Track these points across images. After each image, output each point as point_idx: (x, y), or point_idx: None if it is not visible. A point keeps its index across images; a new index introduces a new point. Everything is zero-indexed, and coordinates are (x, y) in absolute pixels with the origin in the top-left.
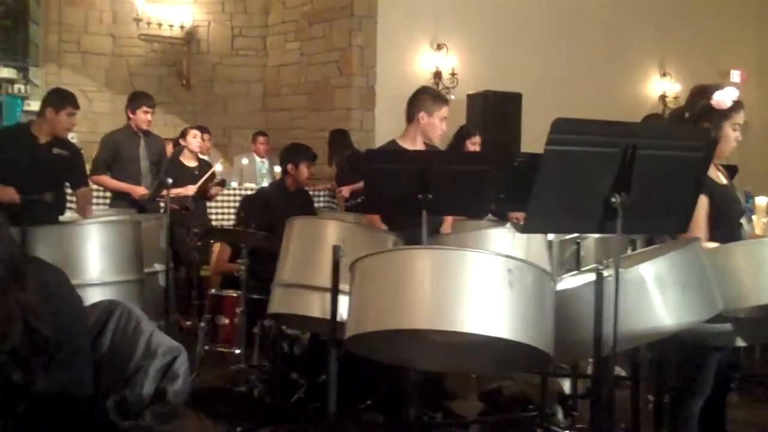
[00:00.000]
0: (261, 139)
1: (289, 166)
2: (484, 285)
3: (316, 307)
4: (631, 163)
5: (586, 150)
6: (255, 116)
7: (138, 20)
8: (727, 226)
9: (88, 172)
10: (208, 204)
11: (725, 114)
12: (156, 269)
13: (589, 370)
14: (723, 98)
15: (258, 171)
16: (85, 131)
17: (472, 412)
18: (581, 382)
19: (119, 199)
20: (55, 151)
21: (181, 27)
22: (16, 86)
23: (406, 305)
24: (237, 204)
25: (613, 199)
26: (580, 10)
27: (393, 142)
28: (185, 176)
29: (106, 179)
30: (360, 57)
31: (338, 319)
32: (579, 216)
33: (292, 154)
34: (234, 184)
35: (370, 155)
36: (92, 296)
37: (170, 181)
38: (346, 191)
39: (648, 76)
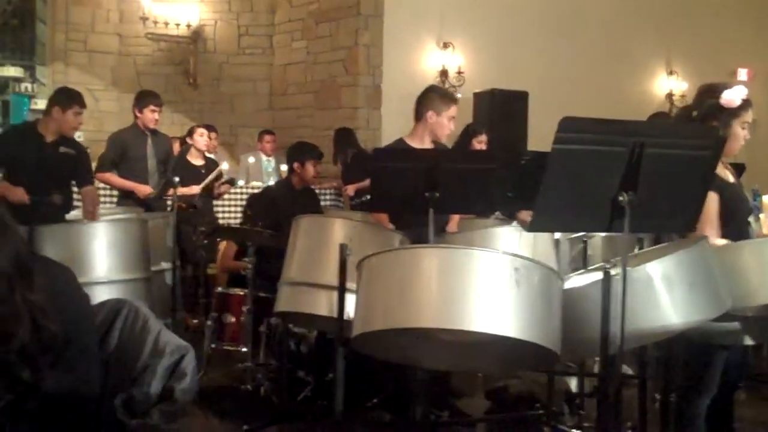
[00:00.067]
0: (267, 137)
1: (296, 165)
2: (491, 284)
3: (322, 305)
4: (639, 162)
5: (594, 149)
6: (261, 115)
7: (144, 19)
8: (735, 224)
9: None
10: (215, 202)
11: (734, 112)
12: (163, 267)
13: (596, 369)
14: (732, 97)
15: (264, 169)
16: (92, 130)
17: (478, 410)
18: (588, 381)
19: (126, 198)
20: (62, 149)
21: (188, 26)
22: (23, 85)
23: (413, 304)
24: (243, 202)
25: (621, 198)
26: (586, 8)
27: (401, 141)
28: (192, 175)
29: (111, 177)
30: (366, 56)
31: (345, 317)
32: (586, 215)
33: (298, 152)
34: (240, 183)
35: (377, 154)
36: (99, 294)
37: (177, 179)
38: (351, 190)
39: (655, 75)
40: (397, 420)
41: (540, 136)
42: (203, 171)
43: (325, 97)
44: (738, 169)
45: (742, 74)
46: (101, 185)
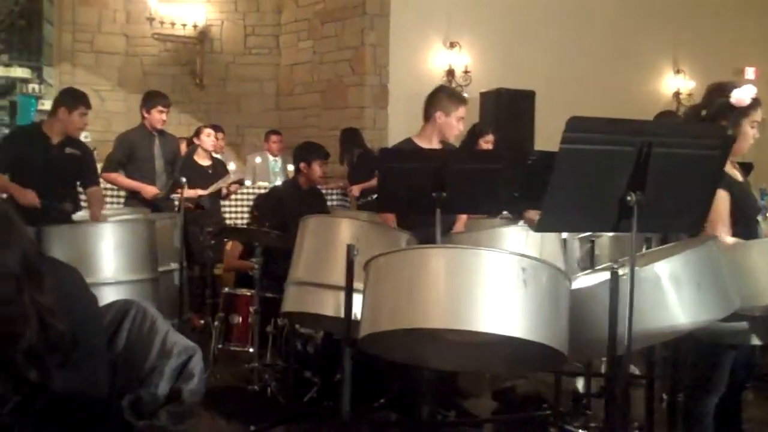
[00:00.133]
0: (274, 137)
1: (302, 165)
2: (498, 284)
3: (329, 305)
4: (647, 162)
5: (601, 148)
6: (268, 115)
7: (151, 20)
8: (744, 223)
9: (99, 171)
10: (222, 203)
11: (744, 111)
12: (170, 268)
13: (603, 369)
14: (742, 96)
15: (271, 169)
16: (99, 130)
17: (485, 410)
18: (595, 381)
19: (133, 198)
20: (68, 150)
21: (194, 26)
22: (30, 86)
23: (421, 304)
24: (250, 203)
25: (629, 198)
26: (593, 7)
27: (409, 141)
28: (199, 175)
29: (118, 177)
30: (373, 55)
31: (352, 317)
32: (594, 214)
33: (304, 152)
34: (247, 183)
35: (384, 154)
36: (107, 295)
37: (184, 180)
38: (356, 190)
39: (662, 74)
40: (404, 420)
41: (547, 136)
42: (210, 171)
43: (331, 97)
44: (746, 168)
45: (750, 73)
46: (108, 185)
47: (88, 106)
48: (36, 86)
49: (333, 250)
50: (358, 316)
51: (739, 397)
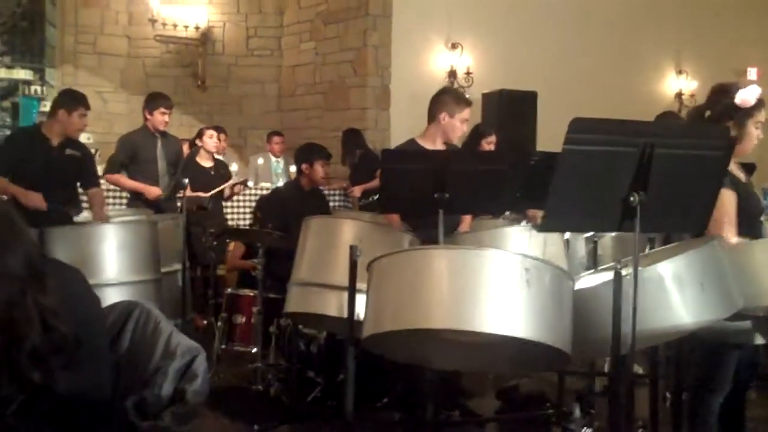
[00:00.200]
0: (276, 138)
1: (304, 166)
2: (501, 284)
3: (332, 306)
4: (649, 163)
5: (604, 149)
6: (270, 116)
7: (153, 21)
8: (747, 223)
9: (101, 172)
10: (224, 204)
11: (749, 112)
12: (172, 269)
13: (606, 368)
14: (747, 96)
15: (273, 171)
16: (101, 132)
17: (488, 410)
18: (598, 380)
19: (136, 200)
20: (68, 152)
21: (197, 28)
22: (32, 88)
23: (424, 305)
24: (253, 204)
25: (631, 198)
26: (595, 8)
27: (413, 142)
28: (201, 176)
29: (121, 178)
30: (375, 57)
31: (355, 318)
32: (597, 215)
33: (306, 153)
34: (250, 184)
35: (387, 155)
36: (110, 296)
37: (186, 181)
38: (357, 191)
39: (664, 74)
40: (407, 420)
41: (549, 136)
42: (212, 173)
43: (333, 98)
44: (748, 168)
45: (752, 74)
46: (111, 187)
47: (87, 107)
48: (38, 88)
49: (335, 250)
50: (361, 317)
51: (743, 397)
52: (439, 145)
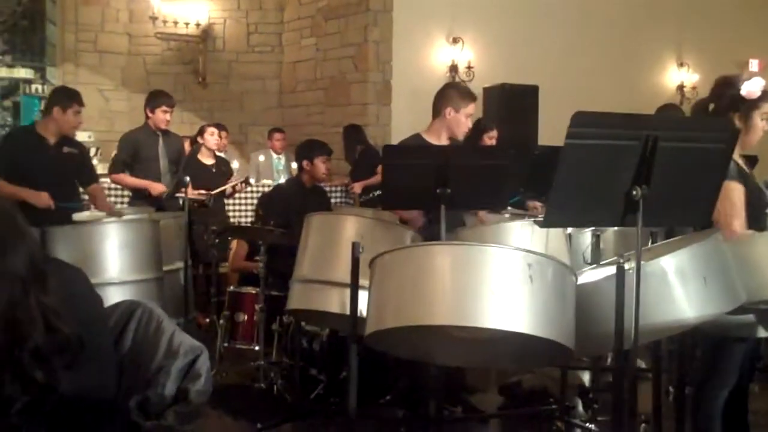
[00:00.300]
0: (277, 135)
1: (305, 163)
2: (504, 280)
3: (334, 302)
4: (652, 156)
5: (607, 143)
6: (271, 113)
7: (154, 18)
8: (753, 216)
9: (106, 171)
10: (226, 201)
11: (754, 104)
12: (174, 267)
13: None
14: (753, 88)
15: (275, 167)
16: (102, 130)
17: (491, 406)
18: (601, 375)
19: (138, 198)
20: (65, 150)
21: (197, 25)
22: (33, 86)
23: (427, 301)
24: (254, 201)
25: (634, 192)
26: (596, 1)
27: (418, 136)
28: (203, 174)
29: (125, 177)
30: (376, 52)
31: (357, 314)
32: (600, 209)
33: (306, 150)
34: (251, 181)
35: (388, 151)
36: (112, 295)
37: (188, 179)
38: (358, 187)
39: (665, 67)
40: (411, 416)
41: (550, 130)
42: (214, 170)
43: (334, 94)
44: (751, 161)
45: (754, 65)
46: (113, 186)
47: (81, 103)
48: (39, 87)
49: (338, 247)
50: (364, 313)
51: (746, 390)
52: (444, 140)
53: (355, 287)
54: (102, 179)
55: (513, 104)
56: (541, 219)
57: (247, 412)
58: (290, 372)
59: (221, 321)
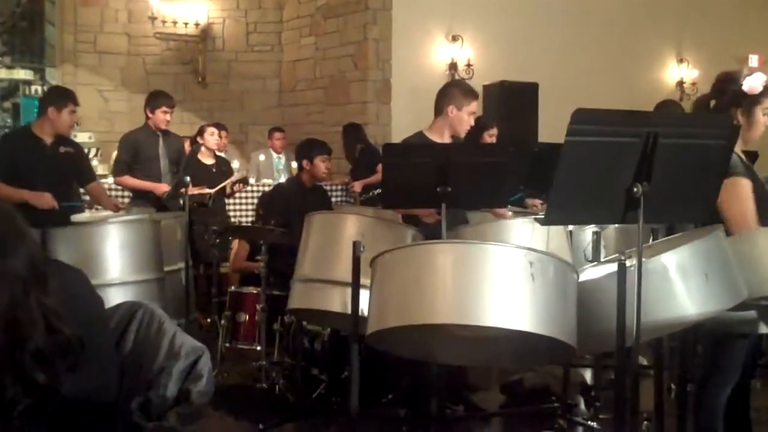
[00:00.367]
0: (277, 134)
1: (304, 162)
2: (505, 278)
3: (336, 302)
4: (653, 153)
5: (607, 140)
6: (271, 112)
7: (153, 19)
8: (759, 212)
9: (106, 172)
10: (227, 201)
11: (756, 99)
12: (175, 267)
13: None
14: (755, 83)
15: (275, 167)
16: (102, 131)
17: (493, 404)
18: (603, 372)
19: (139, 198)
20: (62, 149)
21: (196, 24)
22: (33, 87)
23: (428, 300)
24: (255, 201)
25: (635, 189)
26: None
27: (420, 134)
28: (203, 174)
29: (129, 179)
30: (375, 50)
31: (359, 313)
32: (600, 207)
33: (306, 149)
34: (252, 180)
35: (388, 149)
36: (113, 296)
37: (188, 179)
38: (358, 186)
39: (665, 63)
40: (413, 415)
41: (551, 127)
42: (214, 170)
43: (334, 92)
44: (751, 156)
45: (753, 60)
46: (113, 186)
47: (76, 102)
48: (39, 88)
49: (338, 246)
50: (365, 313)
51: (747, 386)
52: (447, 138)
53: (356, 286)
54: (104, 180)
55: (513, 102)
56: (542, 216)
57: (249, 412)
58: (292, 372)
59: (222, 321)
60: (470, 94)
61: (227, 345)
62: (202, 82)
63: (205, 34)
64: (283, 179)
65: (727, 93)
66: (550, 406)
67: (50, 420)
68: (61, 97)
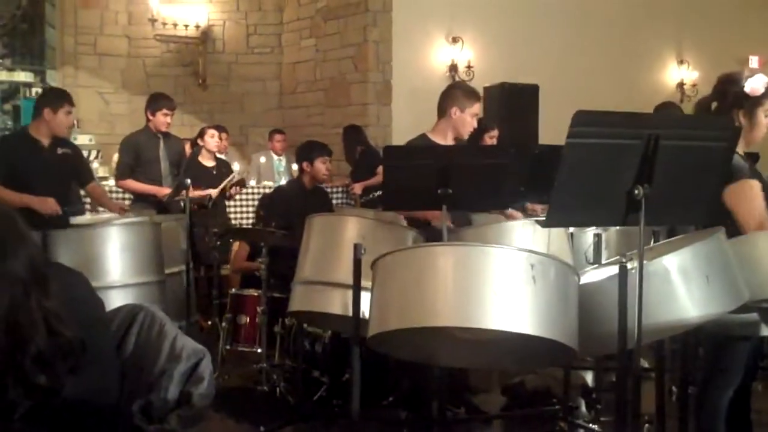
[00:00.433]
0: (278, 136)
1: (305, 164)
2: (507, 281)
3: (336, 304)
4: (654, 155)
5: (608, 142)
6: (271, 114)
7: (153, 21)
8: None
9: (107, 174)
10: (227, 203)
11: (758, 101)
12: (176, 270)
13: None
14: (756, 85)
15: (275, 169)
16: (103, 133)
17: (495, 406)
18: (604, 375)
19: (140, 201)
20: (60, 151)
21: (197, 26)
22: (33, 90)
23: (429, 302)
24: (255, 203)
25: (636, 191)
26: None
27: (424, 136)
28: (204, 176)
29: (132, 183)
30: (375, 52)
31: (360, 316)
32: (601, 209)
33: (306, 151)
34: (252, 183)
35: (388, 151)
36: (113, 298)
37: (189, 181)
38: (358, 188)
39: (665, 65)
40: (414, 418)
41: (551, 129)
42: (215, 172)
43: (334, 94)
44: (753, 158)
45: (754, 62)
46: (114, 189)
47: (72, 103)
48: (39, 90)
49: (339, 248)
50: (366, 315)
51: (750, 388)
52: (450, 140)
53: (357, 289)
54: (105, 183)
55: (513, 103)
56: (543, 219)
57: (250, 414)
58: (293, 374)
59: (223, 323)
60: (473, 95)
61: (228, 347)
62: (202, 84)
63: (205, 36)
64: (283, 181)
65: (728, 95)
66: (551, 409)
67: (51, 422)
68: (56, 98)
